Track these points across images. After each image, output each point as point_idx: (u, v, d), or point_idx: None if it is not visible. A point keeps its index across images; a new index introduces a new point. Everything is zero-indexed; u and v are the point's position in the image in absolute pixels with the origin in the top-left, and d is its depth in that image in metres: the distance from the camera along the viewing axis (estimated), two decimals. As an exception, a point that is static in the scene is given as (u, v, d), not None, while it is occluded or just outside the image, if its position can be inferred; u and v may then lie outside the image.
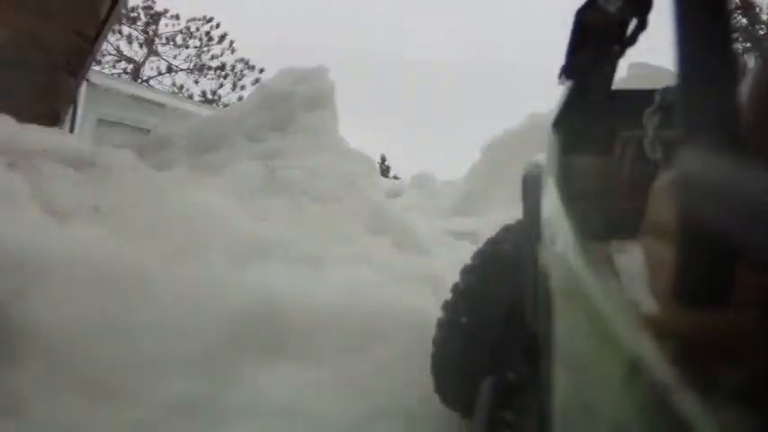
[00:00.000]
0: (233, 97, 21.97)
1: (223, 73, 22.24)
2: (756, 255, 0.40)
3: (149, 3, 20.94)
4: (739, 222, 0.40)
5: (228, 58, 22.29)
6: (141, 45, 21.23)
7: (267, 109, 5.09)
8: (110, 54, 20.16)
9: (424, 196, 7.96)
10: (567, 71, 1.27)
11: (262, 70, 22.11)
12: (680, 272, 0.52)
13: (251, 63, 22.43)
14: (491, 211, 5.88)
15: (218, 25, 21.81)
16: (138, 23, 20.99)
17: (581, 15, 1.20)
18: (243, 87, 22.29)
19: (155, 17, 21.19)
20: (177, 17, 21.41)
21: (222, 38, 21.95)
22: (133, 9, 20.27)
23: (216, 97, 22.16)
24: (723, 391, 0.44)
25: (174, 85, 21.68)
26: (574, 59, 1.24)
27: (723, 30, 0.49)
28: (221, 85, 22.34)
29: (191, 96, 20.69)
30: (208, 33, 21.85)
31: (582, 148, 1.24)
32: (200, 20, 21.61)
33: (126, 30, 20.54)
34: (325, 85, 5.34)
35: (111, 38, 19.75)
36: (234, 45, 22.06)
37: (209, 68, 22.15)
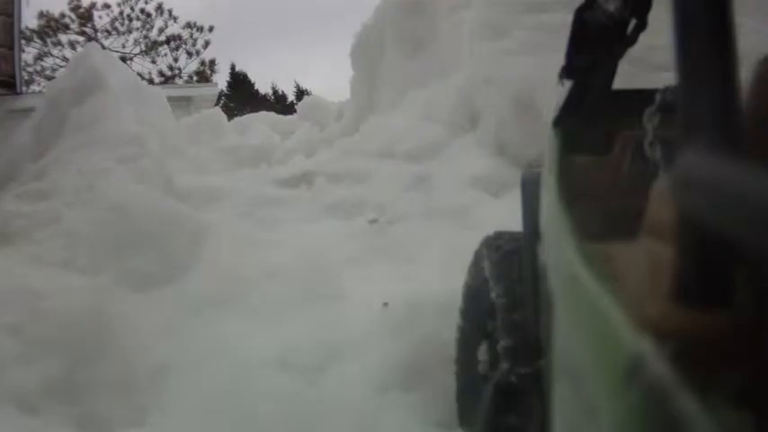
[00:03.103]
0: (193, 65, 20.75)
1: (175, 44, 20.67)
2: (756, 254, 0.40)
3: (75, 2, 19.49)
4: (739, 222, 0.40)
5: (174, 28, 20.66)
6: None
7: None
8: (60, 67, 18.31)
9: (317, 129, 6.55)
10: (567, 71, 1.27)
11: (211, 28, 20.58)
12: (680, 272, 0.52)
13: (198, 24, 20.69)
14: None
15: (150, -2, 20.29)
16: (72, 27, 19.63)
17: (581, 15, 1.20)
18: (198, 52, 20.79)
19: (86, 15, 19.79)
20: (107, 5, 19.84)
21: (159, 9, 20.31)
22: (62, 15, 19.25)
23: (175, 72, 20.73)
24: (723, 391, 0.44)
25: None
26: (574, 59, 1.24)
27: (723, 30, 0.49)
28: (176, 59, 20.81)
29: (151, 80, 18.85)
30: (143, 11, 20.20)
31: (581, 148, 1.24)
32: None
33: (65, 38, 19.35)
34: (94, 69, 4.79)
35: (55, 51, 19.10)
36: (173, 13, 20.45)
37: (161, 44, 20.65)
